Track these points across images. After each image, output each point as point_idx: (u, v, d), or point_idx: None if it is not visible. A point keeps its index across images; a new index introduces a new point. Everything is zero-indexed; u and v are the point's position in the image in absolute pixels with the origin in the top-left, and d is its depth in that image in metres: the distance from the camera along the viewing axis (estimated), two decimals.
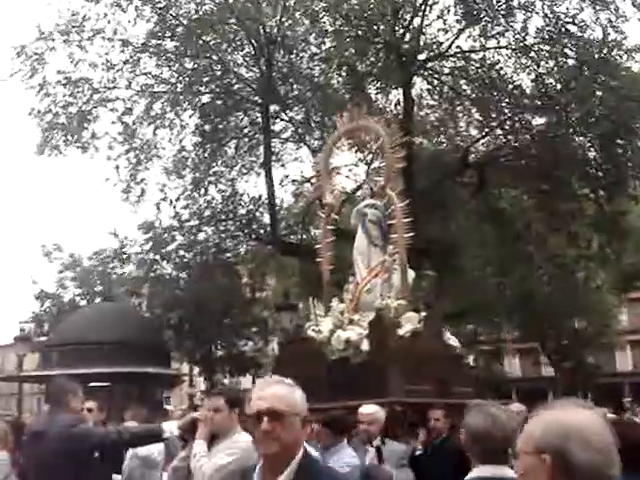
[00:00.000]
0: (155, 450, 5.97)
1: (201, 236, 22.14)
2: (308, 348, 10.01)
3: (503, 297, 24.21)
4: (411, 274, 10.63)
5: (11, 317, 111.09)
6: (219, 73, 19.70)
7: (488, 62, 18.92)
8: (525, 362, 43.95)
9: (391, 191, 11.02)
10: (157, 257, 22.66)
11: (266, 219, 21.73)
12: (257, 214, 22.13)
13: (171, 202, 21.29)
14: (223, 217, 21.77)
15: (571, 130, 18.01)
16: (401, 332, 9.47)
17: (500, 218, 20.38)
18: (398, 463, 6.46)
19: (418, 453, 7.25)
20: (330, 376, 9.44)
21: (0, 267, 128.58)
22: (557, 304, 24.92)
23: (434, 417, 7.18)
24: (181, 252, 22.86)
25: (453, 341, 10.59)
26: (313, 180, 21.33)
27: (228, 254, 23.09)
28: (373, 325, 9.63)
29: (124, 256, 25.76)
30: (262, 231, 22.03)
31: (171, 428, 4.95)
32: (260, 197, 21.81)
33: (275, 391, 2.78)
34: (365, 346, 9.38)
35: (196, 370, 31.12)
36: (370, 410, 6.72)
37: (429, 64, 19.63)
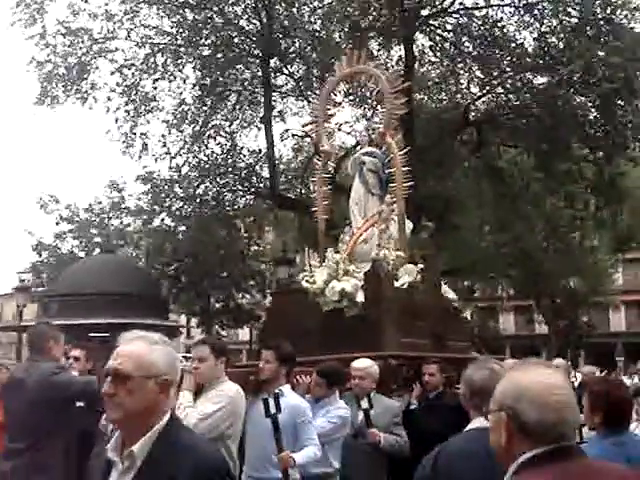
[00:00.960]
0: None
1: (200, 189, 22.17)
2: (301, 299, 9.61)
3: (499, 255, 24.40)
4: (409, 225, 10.33)
5: (9, 268, 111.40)
6: (220, 25, 19.54)
7: (491, 19, 18.83)
8: (520, 320, 44.46)
9: (391, 138, 10.50)
10: (156, 209, 22.71)
11: (265, 173, 21.77)
12: (257, 168, 22.15)
13: (171, 156, 21.31)
14: (222, 170, 21.76)
15: (572, 90, 17.93)
16: (397, 284, 9.16)
17: (498, 177, 20.44)
18: (392, 421, 6.31)
19: (412, 407, 7.15)
20: (323, 328, 9.12)
21: None
22: (553, 263, 25.15)
23: (429, 372, 7.09)
24: (180, 204, 22.91)
25: (450, 295, 10.32)
26: (311, 131, 21.53)
27: (227, 207, 23.13)
28: (369, 276, 9.26)
29: (122, 207, 25.85)
30: (261, 185, 22.08)
31: None
32: (260, 151, 21.82)
33: (130, 350, 2.44)
34: (360, 297, 9.04)
35: (194, 322, 31.43)
36: (363, 364, 6.44)
37: (431, 20, 19.52)
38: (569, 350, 33.56)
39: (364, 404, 6.01)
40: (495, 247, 24.20)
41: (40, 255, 29.26)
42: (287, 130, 22.91)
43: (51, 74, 19.02)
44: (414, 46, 19.48)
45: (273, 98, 20.67)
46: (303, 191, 22.77)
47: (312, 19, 19.81)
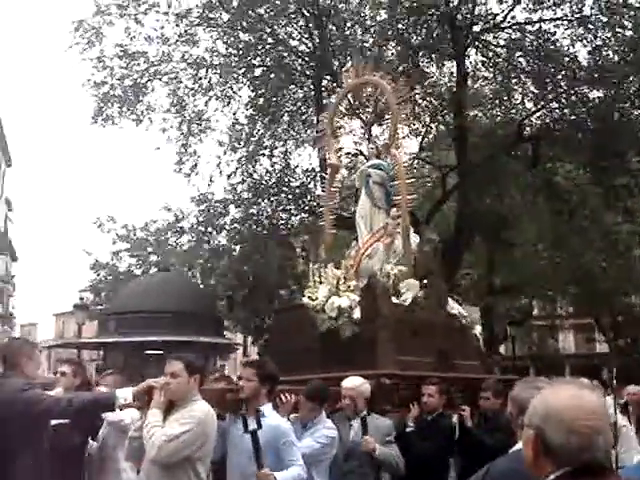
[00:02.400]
0: (126, 416, 5.55)
1: (254, 209, 22.36)
2: (301, 316, 9.40)
3: (557, 272, 23.99)
4: (415, 239, 10.12)
5: (71, 286, 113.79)
6: (272, 46, 19.80)
7: (544, 34, 18.61)
8: (579, 338, 43.55)
9: (395, 149, 10.40)
10: (211, 229, 22.99)
11: (319, 192, 21.85)
12: (310, 187, 22.27)
13: (228, 176, 21.63)
14: (276, 190, 21.94)
15: (628, 103, 17.64)
16: (396, 300, 8.88)
17: (554, 192, 20.14)
18: (383, 439, 6.07)
19: (409, 429, 6.89)
20: (321, 345, 8.89)
21: (58, 238, 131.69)
22: (612, 280, 24.61)
23: (427, 392, 6.91)
24: (235, 225, 23.14)
25: (458, 311, 9.83)
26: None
27: (281, 227, 23.28)
28: (365, 292, 9.01)
29: (178, 227, 26.19)
30: (315, 204, 22.17)
31: (126, 396, 4.65)
32: (313, 170, 21.94)
33: None
34: (357, 314, 8.78)
35: (250, 339, 31.61)
36: (353, 383, 6.27)
37: (484, 36, 19.44)
38: (632, 369, 32.69)
39: (362, 413, 5.99)
40: (552, 264, 23.81)
41: (98, 274, 29.80)
42: (340, 149, 22.94)
43: (108, 95, 19.50)
44: (466, 62, 19.42)
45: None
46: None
47: (364, 38, 19.89)
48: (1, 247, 51.05)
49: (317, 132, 20.27)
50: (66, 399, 4.81)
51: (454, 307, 9.82)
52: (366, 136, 21.11)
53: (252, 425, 4.65)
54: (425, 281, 9.28)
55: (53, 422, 5.15)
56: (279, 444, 4.87)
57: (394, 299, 8.91)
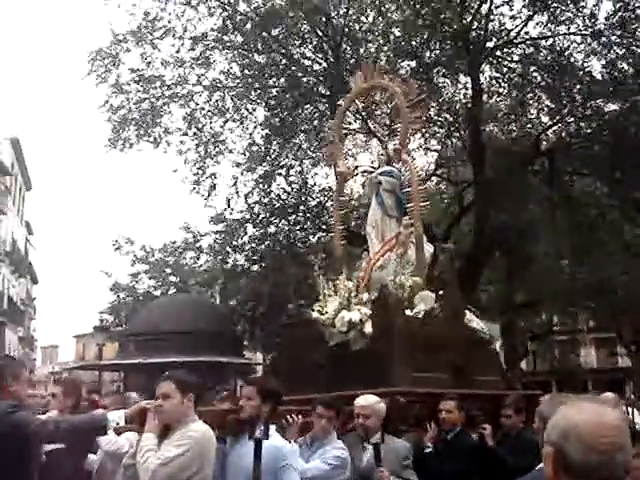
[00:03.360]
0: (124, 443, 5.20)
1: (272, 228, 22.42)
2: (310, 331, 8.92)
3: (578, 286, 23.83)
4: (429, 249, 9.66)
5: (91, 308, 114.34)
6: (286, 66, 19.92)
7: (558, 48, 18.62)
8: (601, 353, 43.15)
9: (407, 155, 9.96)
10: (229, 249, 23.05)
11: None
12: (327, 205, 22.29)
13: (245, 196, 21.72)
14: (293, 209, 21.99)
15: None
16: (410, 313, 8.39)
17: (573, 206, 20.06)
18: (401, 463, 5.59)
19: (426, 451, 6.38)
20: (331, 362, 8.38)
21: (78, 260, 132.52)
22: (634, 293, 24.40)
23: (445, 408, 6.48)
24: (253, 244, 23.20)
25: (477, 324, 9.24)
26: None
27: (299, 245, 23.29)
28: (377, 305, 8.48)
29: (197, 247, 26.28)
30: (332, 222, 22.15)
31: (118, 419, 4.45)
32: (330, 188, 21.96)
33: None
34: (369, 328, 8.29)
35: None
36: (367, 401, 5.82)
37: (497, 51, 19.45)
38: None
39: (375, 439, 5.48)
40: (572, 278, 23.66)
41: (117, 295, 29.96)
42: (357, 167, 23.02)
43: (125, 118, 19.66)
44: (481, 78, 19.42)
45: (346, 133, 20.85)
46: None
47: (378, 55, 19.96)
48: (22, 270, 51.41)
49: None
50: (54, 422, 4.63)
51: (472, 320, 9.28)
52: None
53: (259, 434, 4.35)
54: (441, 293, 8.87)
55: (47, 447, 5.04)
56: (278, 467, 4.53)
57: (407, 312, 8.45)
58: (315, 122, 21.69)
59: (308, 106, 21.18)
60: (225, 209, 22.23)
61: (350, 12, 19.22)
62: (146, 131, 19.89)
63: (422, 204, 9.66)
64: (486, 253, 20.03)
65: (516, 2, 18.48)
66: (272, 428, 4.63)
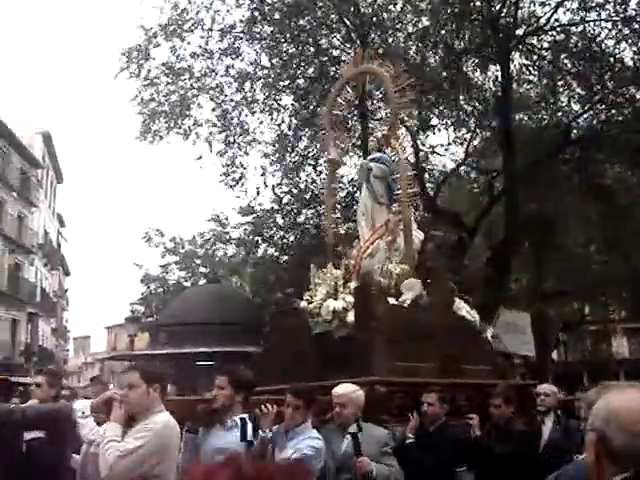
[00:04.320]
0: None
1: (301, 218, 22.46)
2: (297, 320, 8.72)
3: (609, 275, 23.61)
4: (418, 235, 9.39)
5: (122, 299, 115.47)
6: (314, 56, 19.88)
7: (588, 35, 18.39)
8: (633, 342, 42.74)
9: (396, 141, 9.59)
10: (258, 239, 23.16)
11: None
12: (356, 196, 22.26)
13: (274, 187, 21.78)
14: (322, 199, 22.01)
15: None
16: (393, 301, 8.12)
17: (603, 194, 19.86)
18: (380, 450, 5.48)
19: (409, 442, 6.24)
20: (315, 351, 8.18)
21: (109, 252, 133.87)
22: None
23: (427, 401, 6.30)
24: (281, 234, 23.28)
25: (467, 312, 8.97)
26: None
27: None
28: (358, 293, 8.20)
29: (226, 238, 26.44)
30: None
31: (84, 408, 4.34)
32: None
33: None
34: (352, 317, 8.06)
35: None
36: (344, 390, 5.66)
37: (527, 39, 19.26)
38: None
39: (352, 428, 5.38)
40: (603, 267, 23.45)
41: (148, 287, 30.24)
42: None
43: (155, 111, 19.77)
44: (511, 66, 19.25)
45: (370, 125, 20.79)
46: None
47: (406, 44, 19.87)
48: (54, 262, 52.02)
49: (362, 140, 20.35)
50: (20, 410, 4.58)
51: (462, 308, 9.02)
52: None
53: (249, 435, 4.28)
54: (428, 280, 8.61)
55: (27, 436, 5.07)
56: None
57: (393, 300, 8.19)
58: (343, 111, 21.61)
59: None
60: (254, 199, 22.33)
61: (378, 1, 19.12)
62: (176, 123, 19.98)
63: (410, 190, 9.46)
64: (516, 243, 19.90)
65: None
66: (244, 417, 4.60)
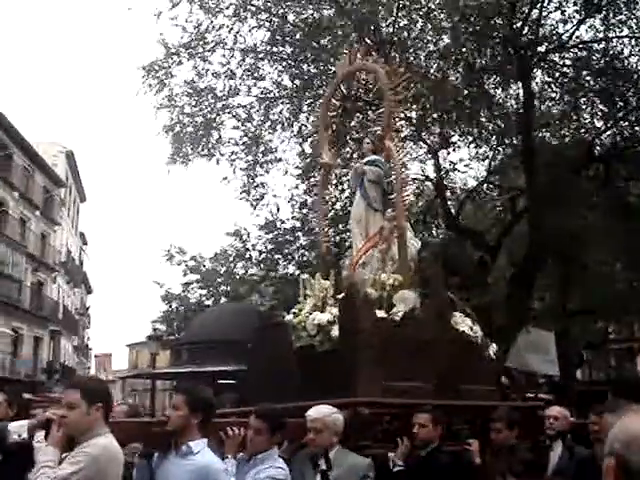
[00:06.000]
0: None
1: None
2: (278, 334, 8.22)
3: (634, 294, 23.35)
4: (415, 244, 8.80)
5: (143, 317, 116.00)
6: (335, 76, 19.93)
7: (611, 52, 18.31)
8: None
9: (390, 142, 9.03)
10: (279, 257, 23.17)
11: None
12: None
13: (300, 206, 21.81)
14: (345, 218, 22.01)
15: None
16: (382, 313, 7.52)
17: (628, 212, 19.68)
18: None
19: (397, 469, 5.74)
20: (295, 368, 7.66)
21: (130, 270, 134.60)
22: None
23: (418, 422, 5.78)
24: (303, 252, 23.27)
25: (468, 327, 8.35)
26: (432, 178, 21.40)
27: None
28: (343, 305, 7.55)
29: (247, 256, 26.47)
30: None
31: (20, 430, 4.13)
32: None
33: None
34: (336, 331, 7.47)
35: None
36: (317, 414, 5.13)
37: (549, 56, 19.21)
38: None
39: (322, 464, 4.88)
40: (628, 286, 23.19)
41: (170, 305, 30.36)
42: (407, 175, 22.93)
43: (180, 134, 19.85)
44: (533, 83, 19.19)
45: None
46: (425, 235, 22.66)
47: (428, 63, 19.86)
48: (76, 280, 52.36)
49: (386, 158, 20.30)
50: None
51: (462, 322, 8.37)
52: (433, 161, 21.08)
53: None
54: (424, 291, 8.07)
55: None
56: None
57: (382, 313, 7.57)
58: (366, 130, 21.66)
59: (358, 114, 21.16)
60: (275, 218, 22.35)
61: (399, 20, 19.15)
62: (199, 144, 20.06)
63: (406, 195, 8.98)
64: (540, 260, 19.74)
65: (567, 6, 18.26)
66: (201, 442, 4.22)
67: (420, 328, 7.57)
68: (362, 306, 7.41)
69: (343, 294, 7.86)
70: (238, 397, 10.26)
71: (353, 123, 19.67)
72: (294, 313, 8.25)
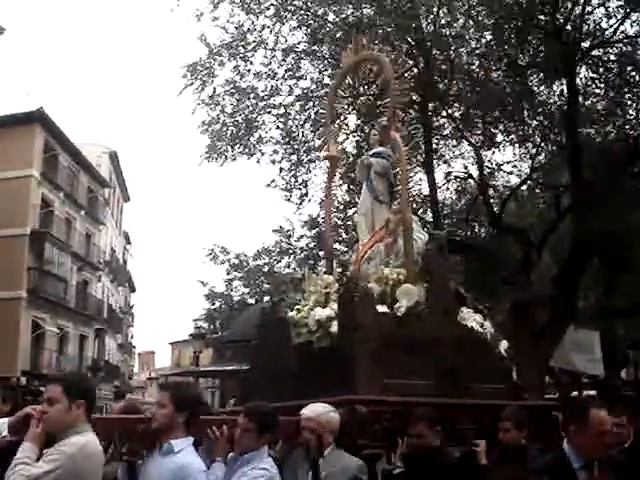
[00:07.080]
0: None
1: None
2: (279, 330, 8.02)
3: None
4: (422, 237, 8.52)
5: (186, 315, 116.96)
6: (377, 74, 19.91)
7: None
8: None
9: (396, 132, 8.76)
10: (321, 254, 23.21)
11: (429, 217, 21.73)
12: (420, 212, 22.17)
13: (344, 206, 21.85)
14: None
15: None
16: (383, 309, 7.26)
17: None
18: None
19: (397, 471, 5.55)
20: (293, 365, 7.49)
21: (174, 269, 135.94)
22: None
23: (415, 433, 5.54)
24: (345, 249, 23.29)
25: (477, 323, 7.96)
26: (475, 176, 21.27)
27: None
28: (342, 300, 7.31)
29: (290, 253, 26.59)
30: (426, 229, 22.04)
31: (1, 427, 3.91)
32: (421, 193, 21.85)
33: None
34: (335, 327, 7.26)
35: None
36: (312, 412, 4.99)
37: (593, 52, 18.96)
38: None
39: (313, 454, 4.78)
40: None
41: (213, 303, 30.59)
42: (449, 172, 22.85)
43: (220, 132, 20.02)
44: (576, 79, 18.96)
45: (434, 141, 20.68)
46: (468, 233, 22.56)
47: (469, 60, 19.74)
48: (120, 279, 53.06)
49: (426, 156, 20.23)
50: None
51: (470, 318, 7.99)
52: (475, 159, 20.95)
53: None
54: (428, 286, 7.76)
55: None
56: None
57: (383, 308, 7.32)
58: (409, 127, 21.62)
59: (399, 112, 21.11)
60: (317, 215, 22.42)
61: (440, 17, 19.07)
62: (241, 143, 20.20)
63: (411, 186, 8.78)
64: (584, 259, 19.51)
65: (611, 1, 18.02)
66: (185, 441, 4.11)
67: (424, 324, 7.33)
68: (361, 301, 7.13)
69: (342, 289, 7.66)
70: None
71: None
72: (297, 309, 8.11)
